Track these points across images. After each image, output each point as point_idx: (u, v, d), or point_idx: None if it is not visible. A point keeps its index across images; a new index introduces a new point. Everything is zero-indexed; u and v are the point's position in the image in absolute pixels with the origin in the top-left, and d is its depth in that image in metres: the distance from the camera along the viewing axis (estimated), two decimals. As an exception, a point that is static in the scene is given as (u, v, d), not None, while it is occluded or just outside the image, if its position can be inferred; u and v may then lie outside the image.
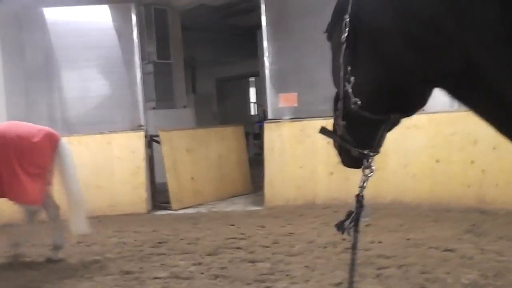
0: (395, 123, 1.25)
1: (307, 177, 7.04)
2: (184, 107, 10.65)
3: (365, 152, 1.28)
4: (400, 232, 5.20)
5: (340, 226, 1.36)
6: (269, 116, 7.38)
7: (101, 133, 7.39)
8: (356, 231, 1.33)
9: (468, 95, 0.96)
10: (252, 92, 19.20)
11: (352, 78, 1.16)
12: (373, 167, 1.31)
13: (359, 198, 1.33)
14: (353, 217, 1.33)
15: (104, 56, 7.89)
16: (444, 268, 3.95)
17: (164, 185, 7.47)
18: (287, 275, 4.11)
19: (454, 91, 1.01)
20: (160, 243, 5.41)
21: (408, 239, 4.90)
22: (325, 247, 4.85)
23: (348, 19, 1.14)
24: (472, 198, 5.92)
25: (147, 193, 7.29)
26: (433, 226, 5.33)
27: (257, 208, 7.20)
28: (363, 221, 1.33)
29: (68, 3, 8.00)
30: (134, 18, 7.78)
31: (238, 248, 5.04)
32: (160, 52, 9.99)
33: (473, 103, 0.97)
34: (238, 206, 7.53)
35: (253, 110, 19.15)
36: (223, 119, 15.91)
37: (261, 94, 14.51)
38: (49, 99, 7.87)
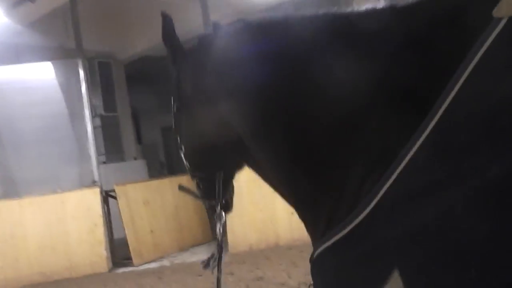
0: (230, 178, 1.45)
1: (268, 220, 7.10)
2: (135, 158, 10.51)
3: (213, 203, 1.46)
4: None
5: (206, 265, 1.55)
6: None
7: (54, 192, 7.13)
8: (219, 271, 1.51)
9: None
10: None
11: (183, 146, 1.37)
12: (223, 215, 1.50)
13: (219, 243, 1.53)
14: (215, 258, 1.52)
15: (51, 113, 7.73)
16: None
17: (123, 240, 7.26)
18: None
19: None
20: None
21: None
22: (299, 288, 4.89)
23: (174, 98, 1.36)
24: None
25: (106, 251, 7.05)
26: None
27: (221, 255, 7.12)
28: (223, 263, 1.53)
29: (11, 61, 7.84)
30: (81, 72, 7.70)
31: (212, 298, 4.96)
32: (107, 104, 9.90)
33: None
34: (200, 255, 7.42)
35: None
36: (171, 169, 15.74)
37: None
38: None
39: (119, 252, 7.45)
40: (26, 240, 6.80)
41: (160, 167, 15.03)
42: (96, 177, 7.45)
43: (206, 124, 1.22)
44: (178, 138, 1.38)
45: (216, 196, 1.41)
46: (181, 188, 1.56)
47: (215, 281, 1.54)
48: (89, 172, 7.53)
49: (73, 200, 7.13)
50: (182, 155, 1.40)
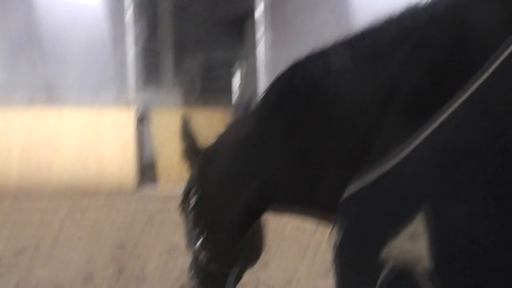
0: (238, 277, 1.44)
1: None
2: (172, 87, 10.61)
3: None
4: None
5: None
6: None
7: (92, 106, 7.31)
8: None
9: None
10: (237, 78, 19.17)
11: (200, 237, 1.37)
12: None
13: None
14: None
15: (95, 35, 7.81)
16: None
17: (152, 164, 7.47)
18: (281, 254, 4.21)
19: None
20: (151, 218, 5.45)
21: None
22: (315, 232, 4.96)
23: (195, 193, 1.38)
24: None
25: (135, 171, 7.28)
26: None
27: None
28: None
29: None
30: None
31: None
32: (150, 33, 9.94)
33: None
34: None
35: (236, 96, 19.11)
36: (206, 100, 15.86)
37: (248, 80, 14.52)
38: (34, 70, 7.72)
39: (147, 175, 7.68)
40: (60, 148, 7.07)
41: (196, 97, 15.17)
42: (133, 100, 7.59)
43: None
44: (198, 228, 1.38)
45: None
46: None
47: None
48: (127, 94, 7.67)
49: (109, 117, 7.31)
50: (200, 245, 1.38)
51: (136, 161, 7.36)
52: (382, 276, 0.64)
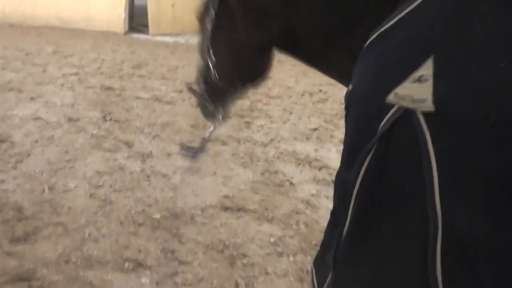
0: (243, 90, 1.50)
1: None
2: None
3: (217, 109, 1.56)
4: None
5: (188, 150, 1.70)
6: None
7: None
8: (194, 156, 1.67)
9: (294, 52, 1.20)
10: None
11: (213, 58, 1.41)
12: (220, 119, 1.60)
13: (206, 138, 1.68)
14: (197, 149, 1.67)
15: None
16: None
17: (144, 8, 7.16)
18: (265, 114, 4.28)
19: (283, 50, 1.24)
20: (139, 65, 5.38)
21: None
22: (302, 95, 5.01)
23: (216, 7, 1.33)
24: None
25: (125, 13, 7.00)
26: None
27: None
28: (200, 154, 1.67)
29: None
30: None
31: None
32: None
33: (299, 57, 1.21)
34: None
35: None
36: None
37: None
38: None
39: (137, 18, 7.42)
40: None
41: None
42: None
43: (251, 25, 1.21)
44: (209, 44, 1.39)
45: (220, 104, 1.52)
46: (190, 89, 1.61)
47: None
48: None
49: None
50: (211, 65, 1.43)
51: (127, 5, 7.04)
52: (387, 116, 0.67)
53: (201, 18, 1.48)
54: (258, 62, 1.40)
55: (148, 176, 2.98)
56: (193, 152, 1.69)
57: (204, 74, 1.51)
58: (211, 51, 1.43)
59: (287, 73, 5.87)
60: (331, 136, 3.91)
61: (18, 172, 2.87)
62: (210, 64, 1.45)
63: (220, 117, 1.59)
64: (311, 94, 5.00)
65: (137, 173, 3.01)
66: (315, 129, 4.06)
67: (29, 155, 3.09)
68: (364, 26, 0.91)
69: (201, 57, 1.52)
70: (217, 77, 1.45)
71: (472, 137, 0.60)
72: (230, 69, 1.43)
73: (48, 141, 3.31)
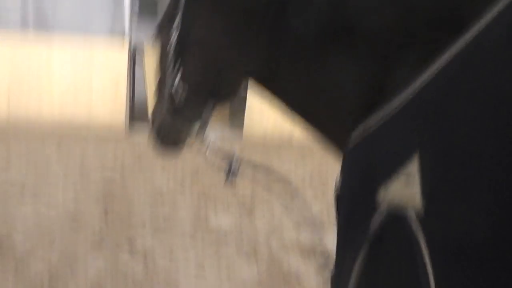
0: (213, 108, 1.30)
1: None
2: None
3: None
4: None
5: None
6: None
7: (84, 36, 7.11)
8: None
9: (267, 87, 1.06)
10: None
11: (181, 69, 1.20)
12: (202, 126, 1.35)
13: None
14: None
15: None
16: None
17: (145, 102, 7.35)
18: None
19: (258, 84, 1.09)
20: (140, 156, 5.45)
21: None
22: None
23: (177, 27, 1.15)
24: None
25: (126, 107, 7.19)
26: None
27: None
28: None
29: None
30: None
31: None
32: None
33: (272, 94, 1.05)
34: (217, 131, 7.55)
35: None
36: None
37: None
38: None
39: (138, 113, 7.57)
40: (51, 80, 6.93)
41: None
42: (127, 27, 7.39)
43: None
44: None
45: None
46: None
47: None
48: (121, 21, 7.46)
49: (101, 48, 7.12)
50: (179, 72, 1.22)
51: (127, 100, 7.26)
52: (375, 218, 0.66)
53: (159, 31, 1.29)
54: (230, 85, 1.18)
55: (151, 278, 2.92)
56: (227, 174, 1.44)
57: (169, 102, 1.27)
58: (179, 63, 1.21)
59: (285, 159, 5.93)
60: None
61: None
62: (176, 82, 1.23)
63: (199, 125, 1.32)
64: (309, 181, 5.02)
65: (139, 274, 2.95)
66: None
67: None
68: None
69: (163, 83, 1.29)
70: (187, 92, 1.22)
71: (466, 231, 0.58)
72: (200, 85, 1.21)
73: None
